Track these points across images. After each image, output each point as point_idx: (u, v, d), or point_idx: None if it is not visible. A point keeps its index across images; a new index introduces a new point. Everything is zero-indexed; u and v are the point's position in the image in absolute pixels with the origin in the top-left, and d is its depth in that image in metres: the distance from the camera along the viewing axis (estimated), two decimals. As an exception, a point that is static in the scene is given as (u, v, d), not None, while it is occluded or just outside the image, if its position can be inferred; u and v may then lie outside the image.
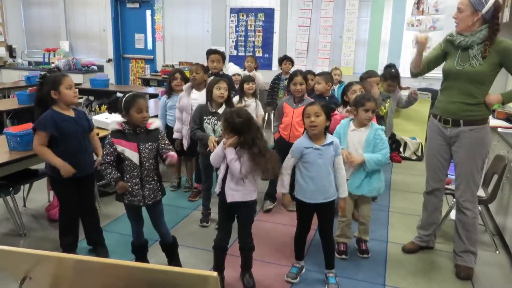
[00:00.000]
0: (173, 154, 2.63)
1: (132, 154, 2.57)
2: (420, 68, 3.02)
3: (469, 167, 2.87)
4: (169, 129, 4.13)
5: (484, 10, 2.68)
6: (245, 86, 4.21)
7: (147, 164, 2.60)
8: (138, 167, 2.59)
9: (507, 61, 2.71)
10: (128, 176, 2.60)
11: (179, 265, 2.88)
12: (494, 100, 2.79)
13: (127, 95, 2.58)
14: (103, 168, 2.60)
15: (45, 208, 3.75)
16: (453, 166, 2.99)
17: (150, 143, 2.60)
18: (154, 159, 2.63)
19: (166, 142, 2.67)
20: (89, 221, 3.06)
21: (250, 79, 4.31)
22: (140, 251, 2.86)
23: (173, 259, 2.90)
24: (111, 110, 2.64)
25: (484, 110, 2.82)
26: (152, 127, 2.63)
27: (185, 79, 4.19)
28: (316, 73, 4.74)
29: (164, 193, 2.77)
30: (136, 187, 2.61)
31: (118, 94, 2.62)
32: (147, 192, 2.63)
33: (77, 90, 2.85)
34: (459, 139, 2.88)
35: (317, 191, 2.64)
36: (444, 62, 2.96)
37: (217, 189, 2.63)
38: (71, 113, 2.80)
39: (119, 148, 2.57)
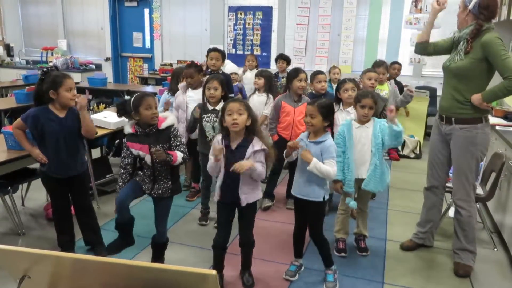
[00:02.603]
0: (174, 153, 2.58)
1: (145, 156, 2.60)
2: (424, 40, 2.97)
3: (461, 166, 2.87)
4: None
5: (470, 6, 2.71)
6: (254, 81, 4.38)
7: (159, 165, 2.61)
8: (151, 168, 2.62)
9: (488, 54, 2.67)
10: (144, 170, 2.66)
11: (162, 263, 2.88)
12: (475, 100, 2.73)
13: (135, 95, 2.60)
14: (120, 171, 2.70)
15: (44, 207, 3.74)
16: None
17: (161, 144, 2.58)
18: None
19: (178, 142, 2.63)
20: (84, 221, 3.05)
21: (261, 74, 4.42)
22: (124, 228, 2.75)
23: (158, 257, 2.88)
24: (120, 112, 2.64)
25: (475, 110, 2.78)
26: (163, 125, 2.60)
27: None
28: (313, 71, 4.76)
29: (177, 192, 2.75)
30: (148, 179, 2.66)
31: (126, 97, 2.64)
32: (157, 186, 2.66)
33: (75, 93, 2.82)
34: (452, 136, 2.88)
35: (296, 184, 2.68)
36: None
37: (217, 196, 2.57)
38: (62, 114, 2.77)
39: (134, 151, 2.62)
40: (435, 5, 2.87)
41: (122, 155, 2.68)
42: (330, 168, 2.53)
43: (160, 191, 2.66)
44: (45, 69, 2.80)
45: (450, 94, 2.85)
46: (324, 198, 2.64)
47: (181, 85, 3.98)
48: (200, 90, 3.63)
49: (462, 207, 2.90)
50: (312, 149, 2.57)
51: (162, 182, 2.66)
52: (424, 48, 3.02)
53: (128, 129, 2.62)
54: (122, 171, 2.68)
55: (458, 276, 2.92)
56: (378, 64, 4.84)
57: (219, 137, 2.54)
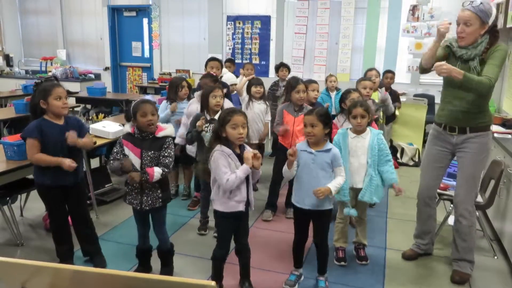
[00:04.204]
0: (150, 170, 2.56)
1: (135, 159, 2.61)
2: (431, 64, 2.82)
3: (472, 172, 2.87)
4: None
5: (490, 21, 2.67)
6: (253, 89, 4.30)
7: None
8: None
9: (489, 54, 2.66)
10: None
11: (171, 271, 2.90)
12: (456, 71, 2.56)
13: (136, 101, 2.64)
14: (110, 163, 2.66)
15: (42, 217, 3.73)
16: (453, 173, 3.00)
17: (153, 151, 2.61)
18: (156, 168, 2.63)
19: (166, 153, 2.64)
20: (82, 232, 3.02)
21: (258, 82, 4.37)
22: (143, 255, 2.89)
23: (166, 265, 2.90)
24: (127, 118, 2.71)
25: (488, 117, 2.84)
26: (160, 134, 2.63)
27: (189, 87, 4.27)
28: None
29: (167, 201, 2.77)
30: (136, 191, 2.66)
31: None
32: (145, 198, 2.66)
33: (67, 101, 2.81)
34: (466, 144, 2.86)
35: (306, 197, 2.62)
36: None
37: (231, 208, 2.51)
38: (60, 122, 2.78)
39: (126, 150, 2.63)
40: (442, 29, 2.70)
41: (114, 150, 2.65)
42: (341, 177, 2.63)
43: (150, 201, 2.66)
44: (36, 81, 2.82)
45: (464, 106, 2.79)
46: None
47: (197, 93, 3.94)
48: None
49: (464, 216, 2.89)
50: (323, 158, 2.59)
51: (150, 192, 2.66)
52: (429, 70, 2.92)
53: (127, 128, 2.67)
54: (114, 163, 2.61)
55: (454, 282, 2.92)
56: (369, 69, 5.01)
57: (219, 147, 2.48)
